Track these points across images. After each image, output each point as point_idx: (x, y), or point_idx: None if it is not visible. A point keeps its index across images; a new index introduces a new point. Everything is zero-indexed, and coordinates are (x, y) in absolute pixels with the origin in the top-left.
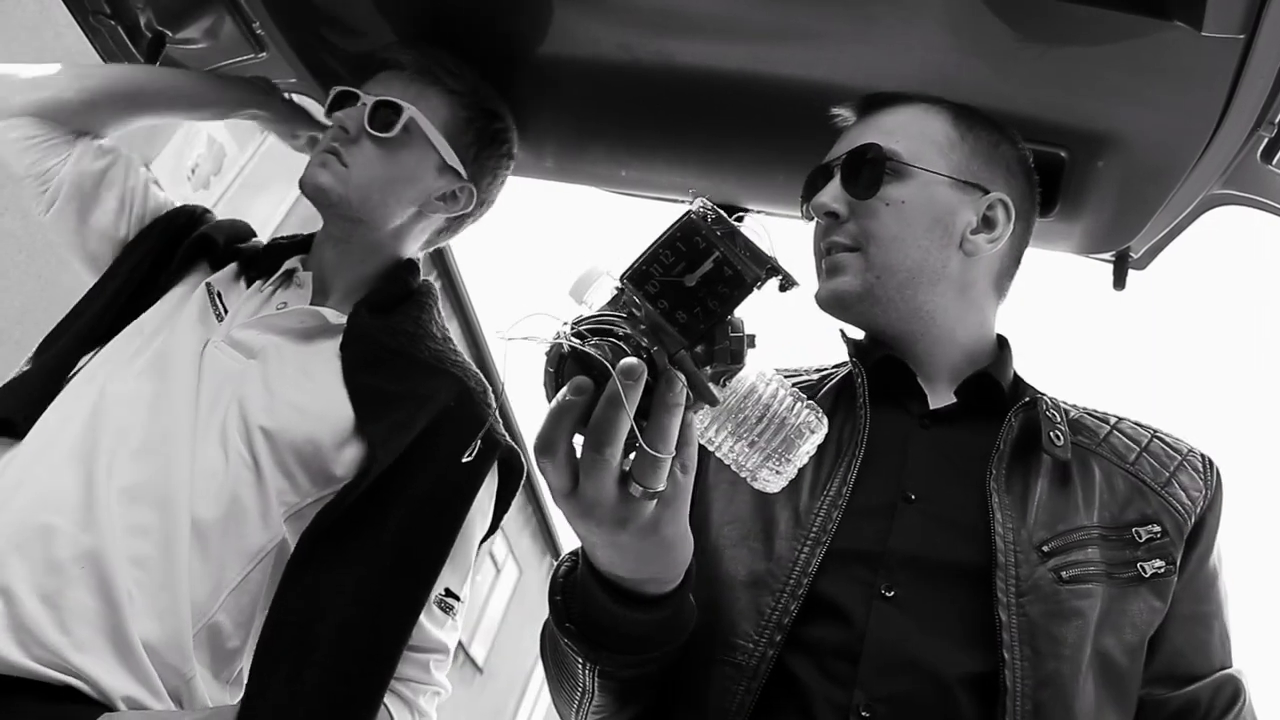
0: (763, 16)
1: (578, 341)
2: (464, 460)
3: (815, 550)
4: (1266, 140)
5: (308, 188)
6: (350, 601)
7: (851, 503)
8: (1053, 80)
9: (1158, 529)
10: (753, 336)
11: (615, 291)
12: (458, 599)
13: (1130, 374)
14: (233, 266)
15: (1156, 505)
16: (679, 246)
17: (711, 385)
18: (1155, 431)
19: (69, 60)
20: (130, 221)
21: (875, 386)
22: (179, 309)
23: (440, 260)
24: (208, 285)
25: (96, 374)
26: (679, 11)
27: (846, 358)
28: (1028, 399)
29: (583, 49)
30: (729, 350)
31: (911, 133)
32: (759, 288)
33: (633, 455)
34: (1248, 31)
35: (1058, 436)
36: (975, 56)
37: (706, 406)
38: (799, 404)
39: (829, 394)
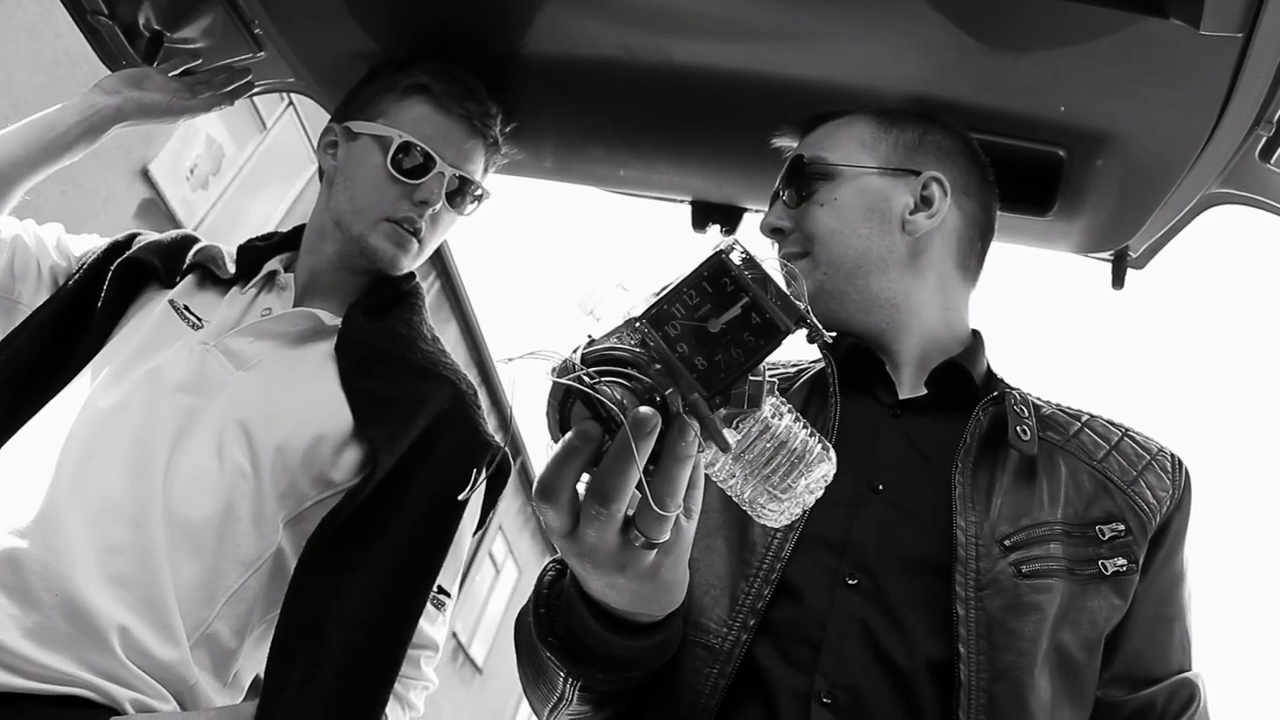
0: (762, 16)
1: (587, 382)
2: (460, 498)
3: (788, 536)
4: (1265, 139)
5: (382, 260)
6: (357, 604)
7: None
8: (1051, 79)
9: (1121, 527)
10: (773, 384)
11: (628, 311)
12: (448, 595)
13: (1128, 373)
14: (191, 277)
15: (1122, 503)
16: (705, 287)
17: (726, 430)
18: (1127, 430)
19: (67, 62)
20: (55, 283)
21: (846, 376)
22: (144, 330)
23: (439, 260)
24: (170, 302)
25: (61, 401)
26: (679, 11)
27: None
28: (996, 393)
29: (583, 49)
30: (745, 395)
31: (836, 139)
32: (787, 339)
33: (637, 501)
34: (1246, 30)
35: (1024, 431)
36: (973, 55)
37: (717, 449)
38: (812, 439)
39: (804, 386)
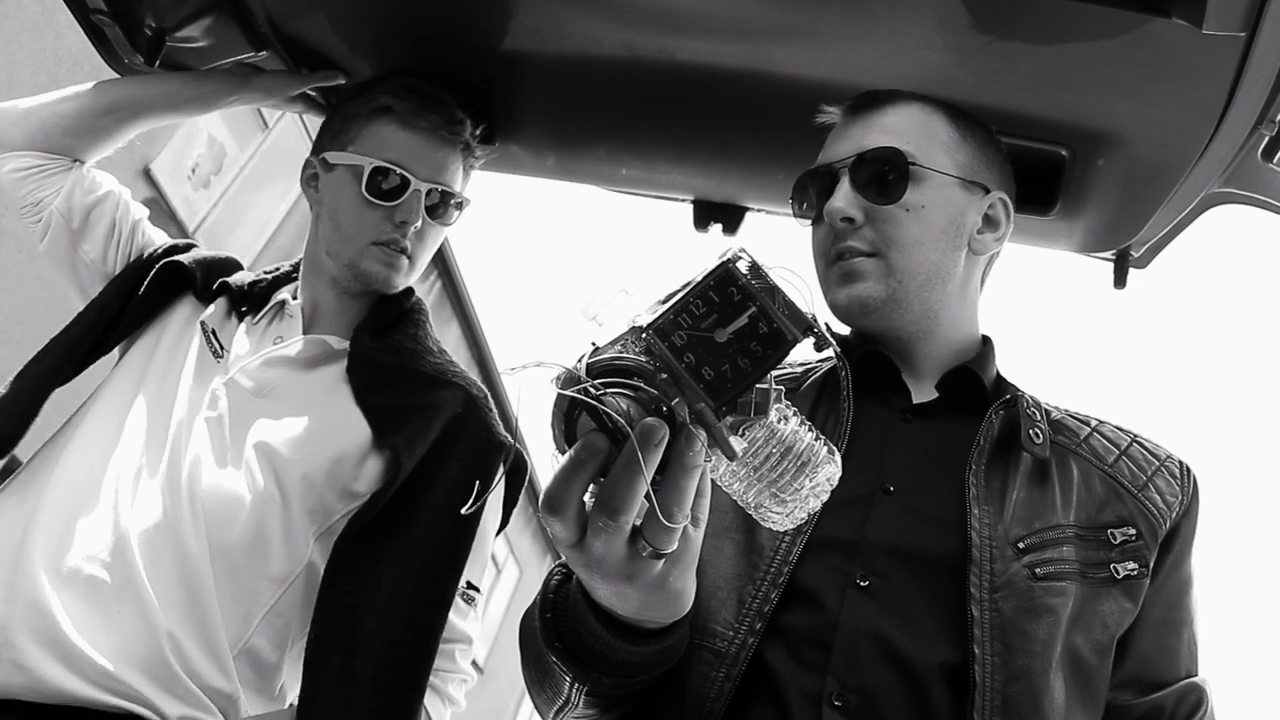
0: (764, 15)
1: (593, 393)
2: (463, 511)
3: (796, 540)
4: (1267, 139)
5: (376, 282)
6: (387, 596)
7: (832, 494)
8: (1053, 78)
9: (1133, 532)
10: (780, 391)
11: (633, 318)
12: (478, 591)
13: (1129, 372)
14: (223, 303)
15: (1133, 508)
16: (712, 297)
17: (732, 438)
18: (1135, 436)
19: (69, 61)
20: (118, 257)
21: (859, 380)
22: (176, 350)
23: (440, 260)
24: (202, 324)
25: (101, 418)
26: (681, 10)
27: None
28: (1009, 397)
29: (584, 47)
30: (752, 403)
31: (917, 133)
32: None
33: (644, 511)
34: (1249, 29)
35: (1037, 434)
36: (976, 55)
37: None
38: (817, 442)
39: (812, 387)
